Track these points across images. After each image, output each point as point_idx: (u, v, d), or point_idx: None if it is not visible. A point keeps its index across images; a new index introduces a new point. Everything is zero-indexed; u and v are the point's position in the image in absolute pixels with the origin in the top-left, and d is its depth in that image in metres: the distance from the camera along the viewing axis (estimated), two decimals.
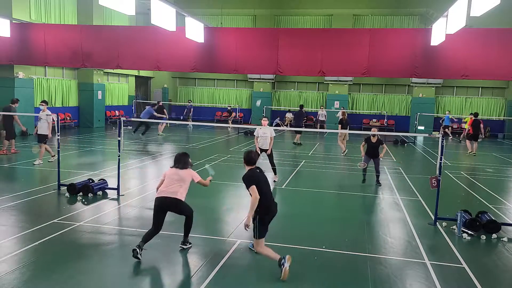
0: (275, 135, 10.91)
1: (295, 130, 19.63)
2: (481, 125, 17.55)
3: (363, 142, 10.92)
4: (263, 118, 11.12)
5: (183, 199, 6.05)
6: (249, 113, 30.47)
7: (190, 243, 6.21)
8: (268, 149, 10.61)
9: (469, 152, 17.24)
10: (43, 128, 12.20)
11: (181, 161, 6.28)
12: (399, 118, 28.63)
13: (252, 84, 30.60)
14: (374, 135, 10.62)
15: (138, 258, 5.51)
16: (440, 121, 25.18)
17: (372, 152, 10.76)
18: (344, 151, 15.99)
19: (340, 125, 17.83)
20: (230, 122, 25.77)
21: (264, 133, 10.58)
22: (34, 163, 11.96)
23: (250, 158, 5.66)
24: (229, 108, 27.10)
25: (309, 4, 28.03)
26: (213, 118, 30.65)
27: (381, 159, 10.92)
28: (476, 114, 17.76)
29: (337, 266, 5.77)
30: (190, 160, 6.36)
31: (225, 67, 14.19)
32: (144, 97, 31.83)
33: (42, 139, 12.16)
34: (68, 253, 5.80)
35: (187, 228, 6.18)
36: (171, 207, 6.00)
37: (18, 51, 15.34)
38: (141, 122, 19.05)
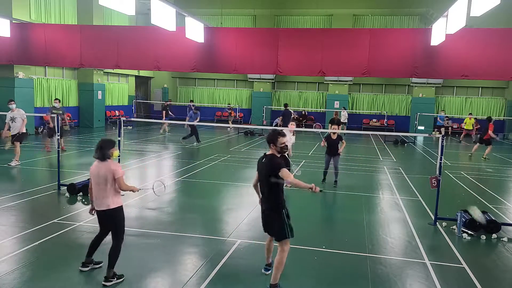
0: (294, 142, 10.64)
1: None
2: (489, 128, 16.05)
3: (324, 140, 10.85)
4: (291, 123, 10.73)
5: (116, 205, 4.96)
6: (249, 113, 30.49)
7: (118, 277, 4.95)
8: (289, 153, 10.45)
9: (470, 154, 16.71)
10: (17, 127, 11.88)
11: (98, 150, 4.95)
12: (399, 118, 28.65)
13: (252, 84, 30.62)
14: (334, 132, 10.73)
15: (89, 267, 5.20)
16: (444, 122, 25.17)
17: (332, 149, 10.74)
18: None
19: (330, 124, 17.96)
20: (230, 122, 25.77)
21: (291, 139, 10.29)
22: (10, 163, 11.57)
23: (269, 139, 4.87)
24: (228, 107, 26.98)
25: (309, 4, 28.04)
26: (213, 118, 30.66)
27: (340, 155, 10.88)
28: (489, 119, 16.25)
29: (337, 266, 5.77)
30: (112, 150, 5.00)
31: (225, 67, 14.20)
32: (144, 97, 31.85)
33: (19, 138, 11.91)
34: (68, 253, 5.80)
35: (112, 257, 4.91)
36: (107, 222, 5.04)
37: (18, 51, 15.35)
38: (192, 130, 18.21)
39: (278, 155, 4.86)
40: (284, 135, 4.85)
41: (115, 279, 4.91)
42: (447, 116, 26.64)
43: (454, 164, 14.80)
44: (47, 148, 14.17)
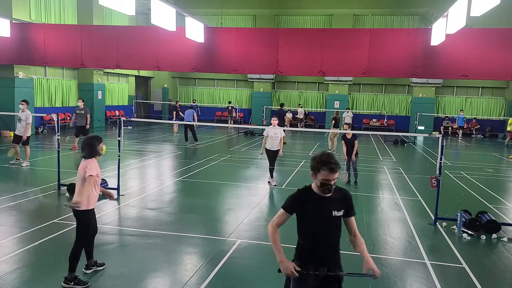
0: (284, 135, 10.75)
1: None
2: None
3: (342, 141, 10.91)
4: (273, 118, 10.90)
5: (81, 207, 4.73)
6: (249, 113, 30.48)
7: (79, 282, 4.78)
8: (279, 150, 10.49)
9: None
10: (21, 128, 11.77)
11: (84, 147, 4.84)
12: (399, 118, 28.64)
13: (252, 84, 30.62)
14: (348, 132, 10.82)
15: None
16: (444, 122, 24.78)
17: (350, 148, 10.77)
18: (331, 150, 15.89)
19: (333, 121, 18.37)
20: (230, 122, 25.72)
21: (275, 134, 10.39)
22: (22, 164, 11.61)
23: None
24: (229, 105, 26.79)
25: (309, 4, 28.05)
26: (213, 118, 30.65)
27: (354, 159, 10.79)
28: None
29: None
30: (100, 145, 4.84)
31: (225, 67, 14.19)
32: (144, 97, 31.84)
33: (27, 142, 11.78)
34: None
35: (69, 260, 4.78)
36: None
37: (18, 51, 15.33)
38: (187, 130, 17.90)
39: (324, 193, 3.37)
40: (331, 170, 3.23)
41: (72, 283, 4.76)
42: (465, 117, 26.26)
43: (454, 164, 14.80)
44: (75, 147, 14.61)
